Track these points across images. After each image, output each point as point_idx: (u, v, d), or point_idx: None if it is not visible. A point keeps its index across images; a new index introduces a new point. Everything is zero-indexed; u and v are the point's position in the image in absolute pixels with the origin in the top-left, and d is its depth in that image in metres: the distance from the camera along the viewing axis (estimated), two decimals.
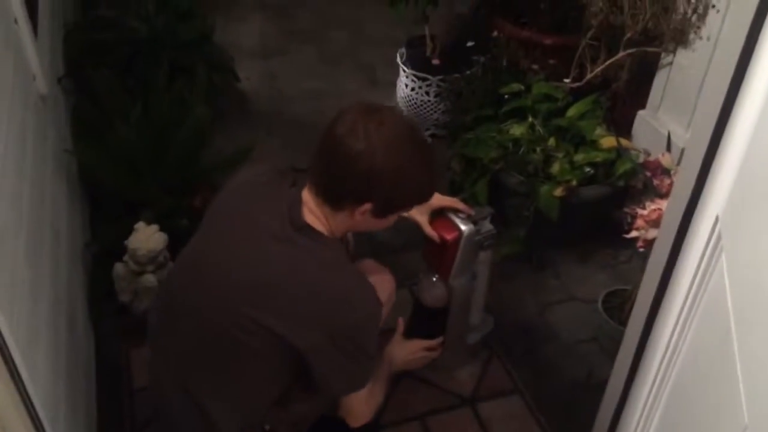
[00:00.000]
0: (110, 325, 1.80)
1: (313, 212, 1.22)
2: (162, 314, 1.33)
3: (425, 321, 1.68)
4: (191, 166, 1.89)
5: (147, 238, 1.68)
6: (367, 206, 1.19)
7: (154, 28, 2.28)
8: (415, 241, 1.99)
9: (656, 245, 1.18)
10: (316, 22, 3.46)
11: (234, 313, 1.18)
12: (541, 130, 2.09)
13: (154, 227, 1.71)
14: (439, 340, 1.65)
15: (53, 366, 1.31)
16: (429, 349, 1.65)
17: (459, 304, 1.63)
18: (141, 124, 1.88)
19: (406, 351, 1.60)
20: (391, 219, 1.27)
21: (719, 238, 0.93)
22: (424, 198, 1.30)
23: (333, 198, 1.20)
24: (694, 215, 1.02)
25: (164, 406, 1.32)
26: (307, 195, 1.22)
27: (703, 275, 0.98)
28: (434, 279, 1.62)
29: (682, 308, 1.05)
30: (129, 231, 1.72)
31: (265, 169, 1.35)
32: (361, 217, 1.21)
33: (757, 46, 0.87)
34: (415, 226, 1.57)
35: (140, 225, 1.71)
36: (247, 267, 1.19)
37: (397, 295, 1.67)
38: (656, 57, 2.24)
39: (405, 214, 1.51)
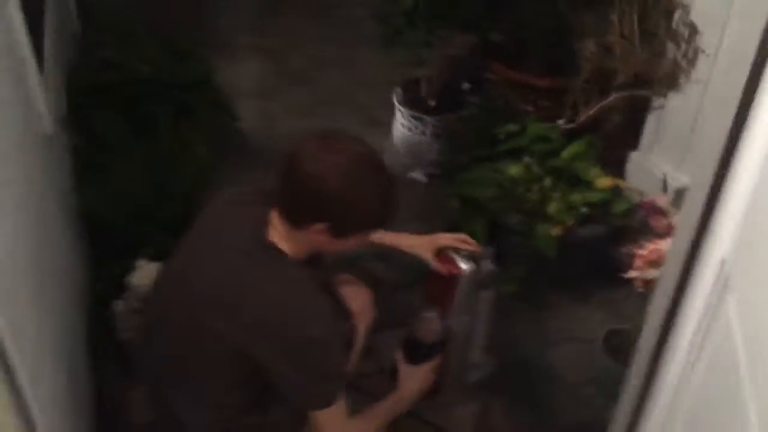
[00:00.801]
0: (111, 364, 1.79)
1: (278, 232, 1.28)
2: (142, 331, 1.43)
3: (420, 356, 1.68)
4: (192, 205, 1.90)
5: (149, 275, 1.69)
6: (321, 226, 1.24)
7: (157, 69, 2.31)
8: (411, 278, 2.01)
9: (659, 287, 1.20)
10: (310, 64, 3.51)
11: (198, 323, 1.25)
12: (537, 170, 2.12)
13: (157, 265, 1.71)
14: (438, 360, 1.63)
15: (57, 407, 1.30)
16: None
17: (459, 342, 1.64)
18: (145, 164, 1.90)
19: (420, 377, 1.57)
20: (352, 242, 1.32)
21: (725, 280, 0.95)
22: (380, 224, 1.34)
23: (291, 217, 1.26)
24: (698, 258, 1.04)
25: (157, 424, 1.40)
26: (274, 215, 1.29)
27: (709, 318, 0.99)
28: (429, 315, 1.62)
29: (688, 351, 1.06)
30: (130, 269, 1.72)
31: (246, 188, 1.41)
32: (319, 237, 1.26)
33: (761, 86, 0.90)
34: (414, 265, 1.59)
35: (142, 262, 1.72)
36: (210, 280, 1.27)
37: (394, 334, 1.67)
38: (648, 99, 2.29)
39: (410, 251, 1.54)
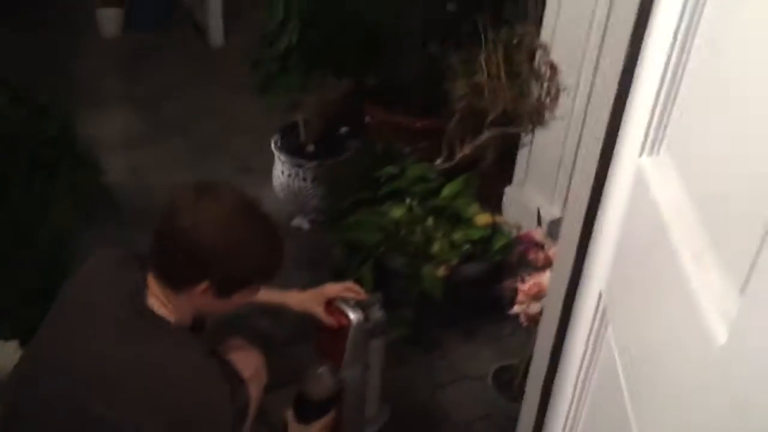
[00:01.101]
0: None
1: (156, 296, 1.19)
2: (2, 423, 1.24)
3: (313, 414, 1.61)
4: (55, 270, 1.74)
5: (5, 357, 1.51)
6: (203, 286, 1.17)
7: (9, 123, 2.13)
8: (300, 333, 1.94)
9: (543, 322, 1.22)
10: (183, 112, 3.40)
11: (74, 409, 1.13)
12: (419, 211, 2.13)
13: (14, 344, 1.54)
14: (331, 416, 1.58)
15: None
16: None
17: (353, 395, 1.58)
18: None
19: None
20: (239, 299, 1.25)
21: (603, 311, 0.97)
22: (266, 276, 1.28)
23: (170, 279, 1.18)
24: (578, 290, 1.07)
25: None
26: (150, 278, 1.20)
27: (593, 349, 1.02)
28: (320, 370, 1.57)
29: (576, 383, 1.07)
30: None
31: (112, 252, 1.31)
32: (202, 298, 1.19)
33: (623, 121, 0.94)
34: (303, 319, 1.54)
35: None
36: (84, 359, 1.16)
37: (285, 392, 1.60)
38: (517, 136, 2.38)
39: (299, 308, 1.49)
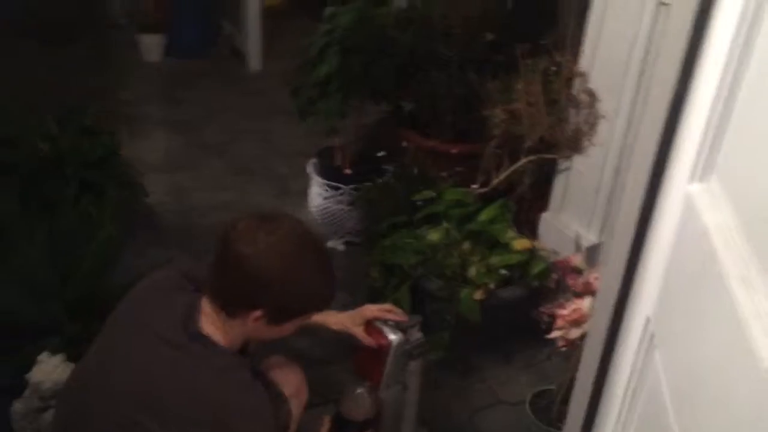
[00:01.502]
0: None
1: (210, 319, 1.21)
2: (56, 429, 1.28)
3: None
4: (100, 288, 1.79)
5: (52, 369, 1.55)
6: (258, 313, 1.19)
7: (58, 146, 2.22)
8: (337, 353, 1.96)
9: (586, 347, 1.21)
10: (223, 135, 3.48)
11: (127, 424, 1.15)
12: (455, 235, 2.14)
13: (60, 357, 1.58)
14: None
15: None
16: None
17: (391, 416, 1.59)
18: (45, 246, 1.78)
19: None
20: (290, 327, 1.27)
21: (650, 337, 0.97)
22: (320, 306, 1.30)
23: (225, 304, 1.20)
24: (623, 316, 1.07)
25: None
26: (205, 301, 1.22)
27: (638, 376, 1.01)
28: (359, 390, 1.58)
29: (619, 409, 1.07)
30: (30, 363, 1.58)
31: (168, 273, 1.33)
32: (255, 324, 1.21)
33: (672, 150, 0.94)
34: (342, 339, 1.55)
35: (44, 355, 1.58)
36: (139, 376, 1.18)
37: (322, 411, 1.61)
38: (555, 162, 2.39)
39: (338, 328, 1.51)
